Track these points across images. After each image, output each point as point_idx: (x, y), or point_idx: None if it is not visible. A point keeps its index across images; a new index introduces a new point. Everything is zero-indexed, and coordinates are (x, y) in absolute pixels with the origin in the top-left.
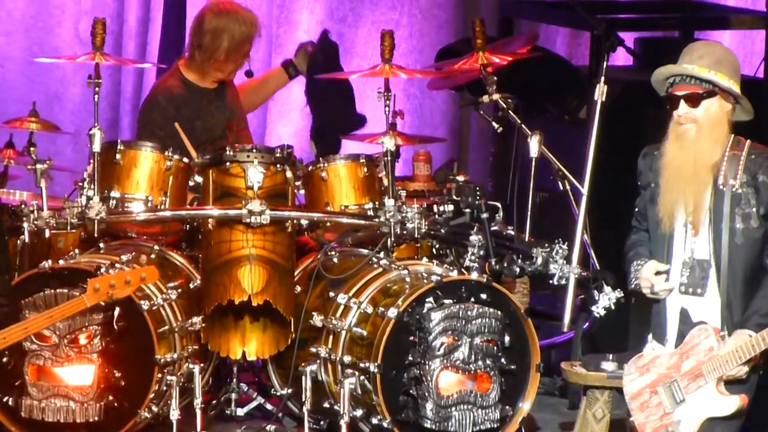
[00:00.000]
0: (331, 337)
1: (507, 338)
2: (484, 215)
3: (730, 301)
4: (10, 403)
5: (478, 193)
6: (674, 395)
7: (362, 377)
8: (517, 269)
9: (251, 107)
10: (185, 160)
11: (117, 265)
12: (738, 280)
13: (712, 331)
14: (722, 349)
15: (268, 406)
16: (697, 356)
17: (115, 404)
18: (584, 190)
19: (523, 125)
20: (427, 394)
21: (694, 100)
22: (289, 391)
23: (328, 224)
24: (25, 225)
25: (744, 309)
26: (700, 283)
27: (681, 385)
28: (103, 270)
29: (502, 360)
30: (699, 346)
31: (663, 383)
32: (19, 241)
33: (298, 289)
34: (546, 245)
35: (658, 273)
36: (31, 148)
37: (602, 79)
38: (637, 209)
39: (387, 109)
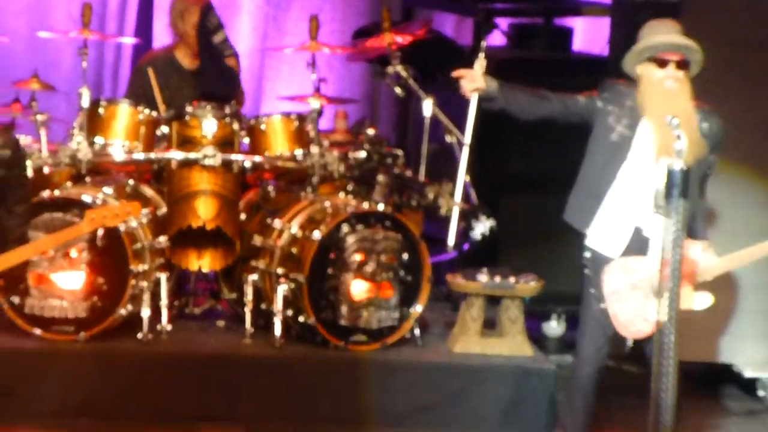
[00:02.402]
0: (268, 254)
1: (405, 256)
2: (389, 160)
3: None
4: (16, 302)
5: (385, 143)
6: (654, 292)
7: (292, 285)
8: (414, 203)
9: None
10: (154, 114)
11: (100, 195)
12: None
13: (700, 245)
14: (706, 260)
15: (219, 308)
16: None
17: (99, 304)
18: (466, 141)
19: (419, 90)
20: (342, 298)
21: (681, 65)
22: (235, 295)
23: (266, 166)
24: (29, 164)
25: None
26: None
27: (662, 285)
28: (98, 202)
29: (401, 273)
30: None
31: (644, 282)
32: None
33: (243, 216)
34: (436, 184)
35: None
36: (33, 104)
37: (481, 55)
38: (581, 102)
39: (314, 76)
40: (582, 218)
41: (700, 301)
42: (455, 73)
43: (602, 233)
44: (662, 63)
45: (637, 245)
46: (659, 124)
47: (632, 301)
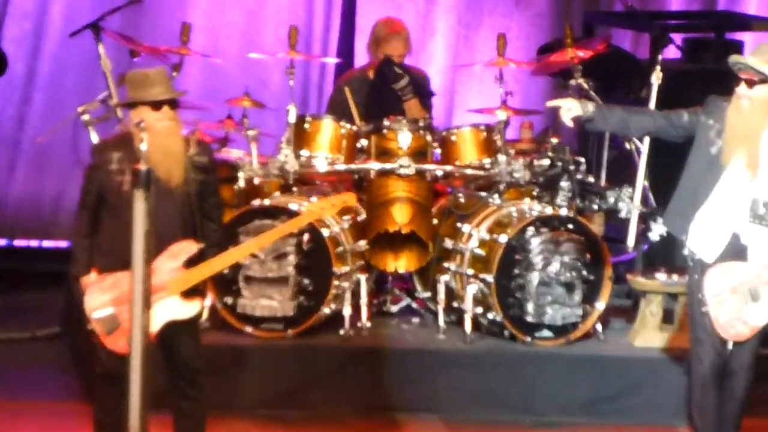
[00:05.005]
0: (458, 255)
1: (587, 256)
2: (572, 167)
3: None
4: (229, 302)
5: (567, 151)
6: (752, 296)
7: (481, 285)
8: (595, 206)
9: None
10: (354, 128)
11: (306, 204)
12: None
13: None
14: None
15: (414, 305)
16: None
17: (305, 303)
18: (644, 148)
19: (600, 101)
20: (528, 296)
21: (751, 84)
22: (429, 294)
23: (457, 174)
24: (241, 174)
25: None
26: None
27: (760, 289)
28: (314, 199)
29: (584, 272)
30: None
31: (743, 286)
32: (236, 187)
33: (435, 221)
34: (616, 189)
35: None
36: (245, 120)
37: (657, 68)
38: (685, 116)
39: (501, 90)
40: (680, 224)
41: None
42: (550, 103)
43: (700, 238)
44: (738, 81)
45: (734, 251)
46: (731, 139)
47: (732, 304)
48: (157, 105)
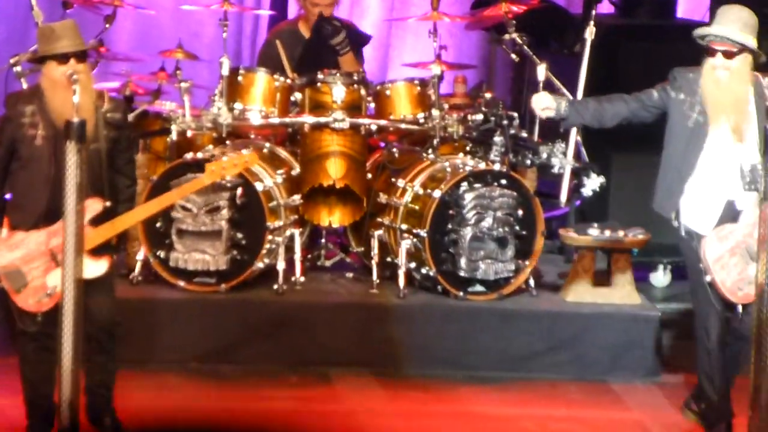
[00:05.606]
0: (392, 210)
1: (520, 212)
2: (505, 122)
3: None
4: (161, 255)
5: (501, 106)
6: (750, 255)
7: (414, 240)
8: (528, 161)
9: None
10: (288, 81)
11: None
12: None
13: None
14: None
15: (347, 260)
16: None
17: (238, 257)
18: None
19: (533, 56)
20: (461, 251)
21: (730, 55)
22: (363, 249)
23: (391, 129)
24: (173, 127)
25: None
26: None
27: (755, 247)
28: (215, 158)
29: (516, 227)
30: None
31: (740, 247)
32: (168, 139)
33: (369, 176)
34: (549, 144)
35: None
36: (178, 72)
37: (591, 23)
38: (655, 94)
39: (435, 44)
40: (668, 206)
41: None
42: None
43: (694, 211)
44: (712, 52)
45: (729, 217)
46: (715, 110)
47: (733, 267)
48: (62, 58)
